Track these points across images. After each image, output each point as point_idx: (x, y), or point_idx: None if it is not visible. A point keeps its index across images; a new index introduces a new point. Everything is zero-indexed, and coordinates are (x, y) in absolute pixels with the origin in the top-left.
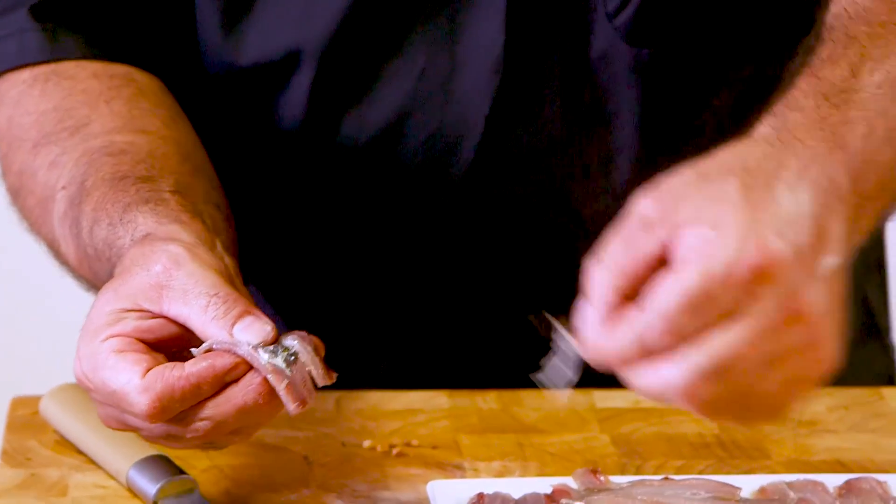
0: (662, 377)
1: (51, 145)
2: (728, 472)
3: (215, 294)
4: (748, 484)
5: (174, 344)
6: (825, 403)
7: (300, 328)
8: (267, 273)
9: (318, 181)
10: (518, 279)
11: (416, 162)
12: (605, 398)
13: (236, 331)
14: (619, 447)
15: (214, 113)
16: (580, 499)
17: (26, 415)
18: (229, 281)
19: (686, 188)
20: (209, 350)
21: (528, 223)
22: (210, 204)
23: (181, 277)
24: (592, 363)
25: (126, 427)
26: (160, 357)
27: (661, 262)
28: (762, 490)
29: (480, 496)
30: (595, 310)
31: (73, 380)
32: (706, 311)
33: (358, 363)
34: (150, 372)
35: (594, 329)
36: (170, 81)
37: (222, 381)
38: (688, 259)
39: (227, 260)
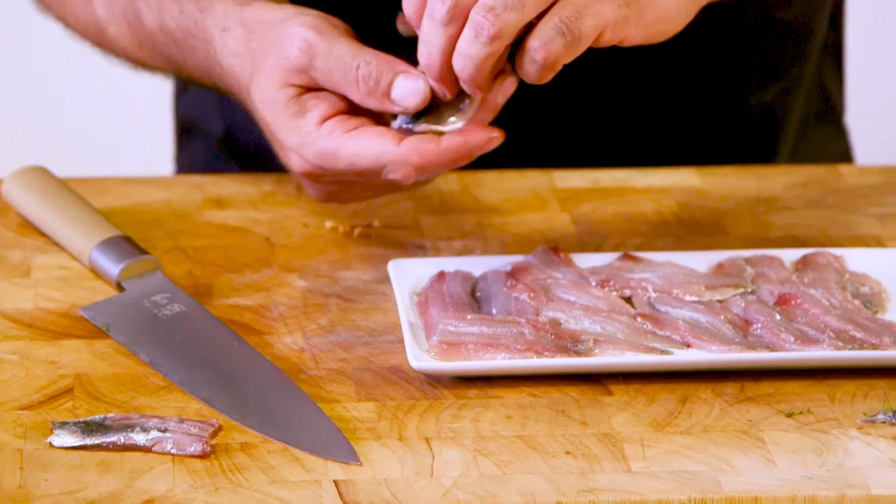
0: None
1: None
2: (686, 249)
3: (358, 66)
4: (706, 260)
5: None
6: (783, 181)
7: None
8: None
9: None
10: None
11: None
12: (564, 178)
13: (395, 96)
14: (579, 226)
15: None
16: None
17: None
18: (358, 40)
19: None
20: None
21: None
22: None
23: (321, 57)
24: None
25: (342, 197)
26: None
27: None
28: (720, 266)
29: (441, 274)
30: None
31: (34, 163)
32: None
33: None
34: (404, 144)
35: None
36: None
37: (473, 155)
38: None
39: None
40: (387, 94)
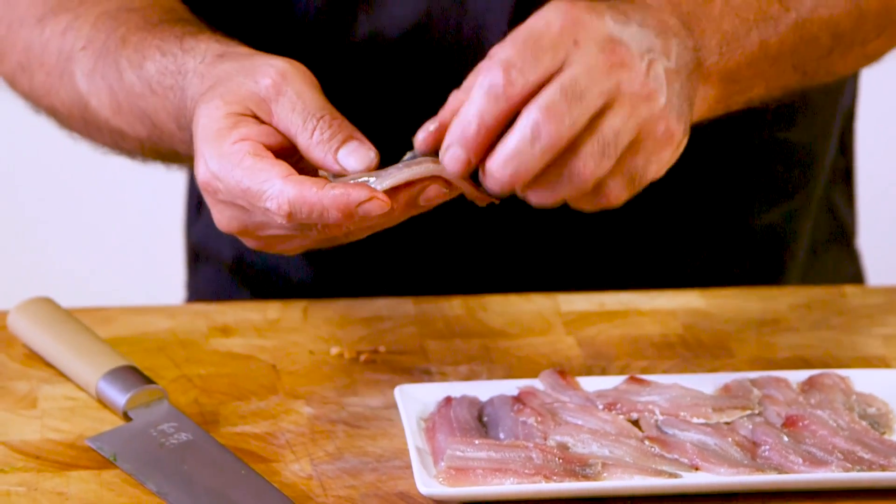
0: (500, 155)
1: (60, 15)
2: (692, 371)
3: (322, 117)
4: (712, 382)
5: (281, 155)
6: (787, 302)
7: None
8: None
9: (329, 89)
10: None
11: (430, 77)
12: (569, 301)
13: (341, 155)
14: (585, 349)
15: (225, 30)
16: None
17: None
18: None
19: (590, 16)
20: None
21: None
22: None
23: (290, 95)
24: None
25: (245, 228)
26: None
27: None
28: (726, 388)
29: (448, 399)
30: (488, 108)
31: (40, 294)
32: (515, 72)
33: (326, 272)
34: (291, 178)
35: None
36: None
37: (352, 212)
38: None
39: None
40: (335, 149)
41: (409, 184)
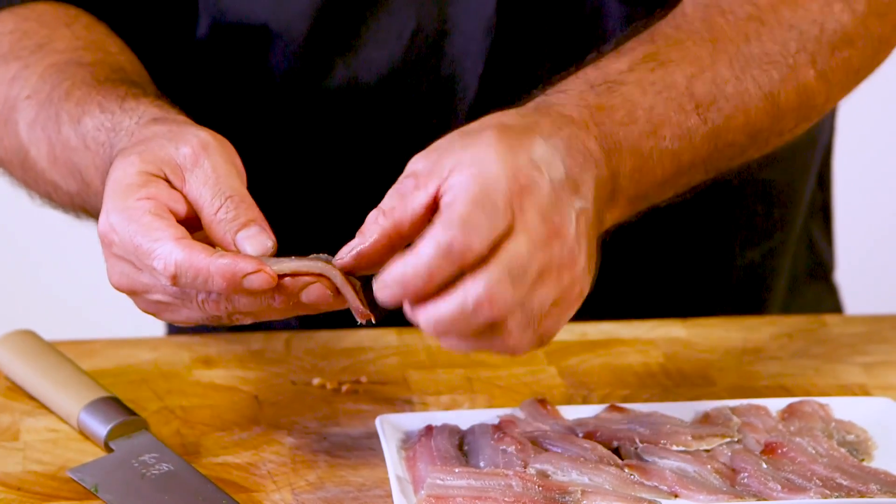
0: (435, 312)
1: (10, 63)
2: (673, 400)
3: (230, 196)
4: (692, 410)
5: (185, 224)
6: (769, 332)
7: None
8: None
9: (306, 135)
10: None
11: (407, 121)
12: None
13: (240, 237)
14: (566, 379)
15: (201, 78)
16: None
17: None
18: (244, 184)
19: (449, 144)
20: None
21: None
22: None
23: (206, 167)
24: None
25: (133, 287)
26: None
27: (432, 212)
28: (706, 415)
29: (429, 428)
30: (367, 249)
31: (22, 327)
32: (474, 236)
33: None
34: (184, 241)
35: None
36: (149, 47)
37: (237, 282)
38: (454, 197)
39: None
40: (235, 230)
41: (296, 276)
